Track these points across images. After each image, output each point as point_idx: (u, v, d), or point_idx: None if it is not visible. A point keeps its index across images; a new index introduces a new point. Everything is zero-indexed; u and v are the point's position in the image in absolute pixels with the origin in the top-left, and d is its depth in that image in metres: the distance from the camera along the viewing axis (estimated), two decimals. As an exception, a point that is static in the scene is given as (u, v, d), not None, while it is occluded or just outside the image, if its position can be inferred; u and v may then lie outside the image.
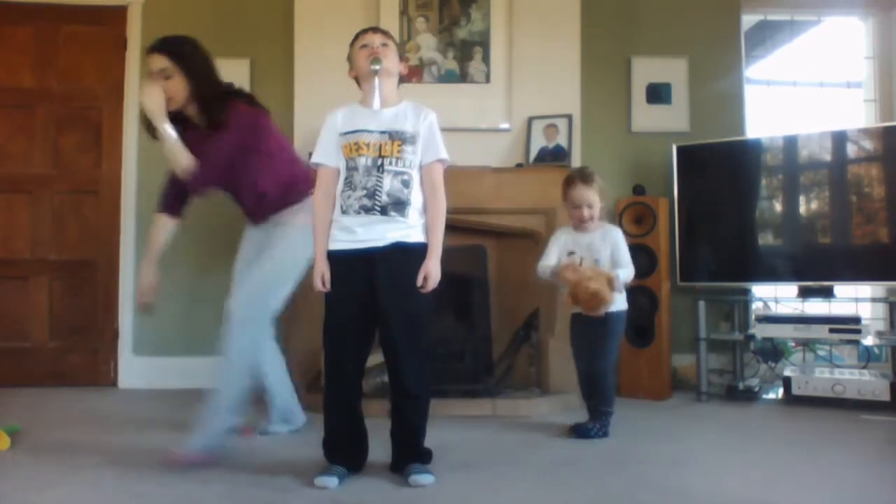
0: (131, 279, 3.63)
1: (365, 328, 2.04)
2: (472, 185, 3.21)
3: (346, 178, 2.04)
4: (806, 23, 4.11)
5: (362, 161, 2.01)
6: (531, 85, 3.62)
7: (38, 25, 3.74)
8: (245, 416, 2.35)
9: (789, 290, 3.43)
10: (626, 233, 3.36)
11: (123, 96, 3.71)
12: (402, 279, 1.99)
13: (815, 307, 3.37)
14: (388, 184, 1.99)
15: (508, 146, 3.61)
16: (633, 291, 3.28)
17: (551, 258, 2.58)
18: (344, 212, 2.02)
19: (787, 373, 3.25)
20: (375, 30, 2.15)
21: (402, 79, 2.19)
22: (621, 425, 2.60)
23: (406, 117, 2.06)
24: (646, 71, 3.79)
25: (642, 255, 3.28)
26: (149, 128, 2.36)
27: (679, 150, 3.50)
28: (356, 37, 2.14)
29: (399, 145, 2.01)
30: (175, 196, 2.54)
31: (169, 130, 2.29)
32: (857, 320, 3.07)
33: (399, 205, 2.00)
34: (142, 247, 3.60)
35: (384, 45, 2.09)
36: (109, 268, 3.70)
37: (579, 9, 3.67)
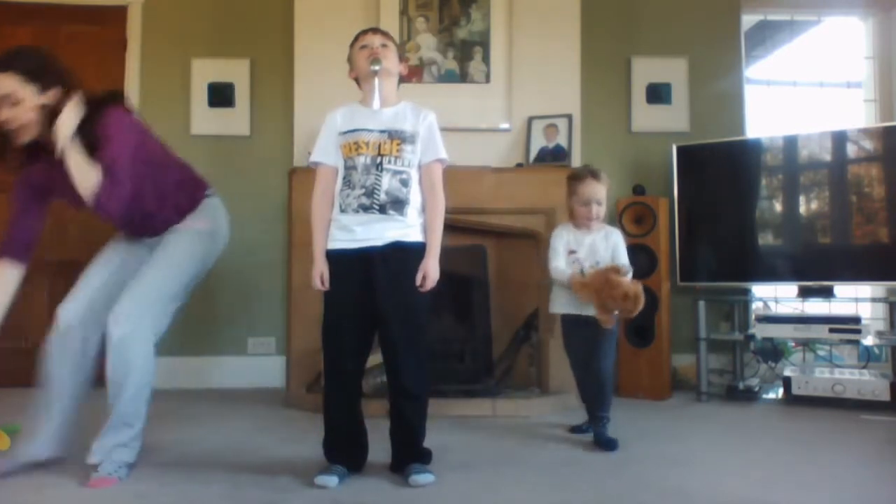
0: (131, 279, 3.63)
1: (364, 328, 2.04)
2: (472, 185, 3.21)
3: (344, 178, 2.04)
4: (806, 23, 4.11)
5: (361, 160, 2.01)
6: (531, 85, 3.62)
7: (38, 25, 3.74)
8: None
9: (789, 290, 3.43)
10: (626, 233, 3.37)
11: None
12: (401, 279, 1.99)
13: (815, 307, 3.36)
14: (387, 183, 1.99)
15: (508, 146, 3.61)
16: (633, 291, 3.30)
17: (560, 260, 2.49)
18: (343, 211, 2.02)
19: (787, 373, 3.25)
20: (375, 30, 2.15)
21: (403, 79, 2.20)
22: (621, 425, 2.59)
23: (405, 117, 2.07)
24: (646, 71, 3.79)
25: (642, 255, 3.28)
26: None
27: (679, 150, 3.50)
28: (356, 38, 2.14)
29: (398, 144, 2.02)
30: (23, 236, 2.14)
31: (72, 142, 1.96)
32: (857, 320, 3.07)
33: (398, 204, 2.00)
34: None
35: (384, 45, 2.09)
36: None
37: (579, 9, 3.67)
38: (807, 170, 3.41)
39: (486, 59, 3.65)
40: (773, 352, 3.51)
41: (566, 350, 2.61)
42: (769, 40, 4.15)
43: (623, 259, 2.48)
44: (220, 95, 3.68)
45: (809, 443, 2.47)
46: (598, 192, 2.48)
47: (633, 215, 3.41)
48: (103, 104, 2.04)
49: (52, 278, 3.72)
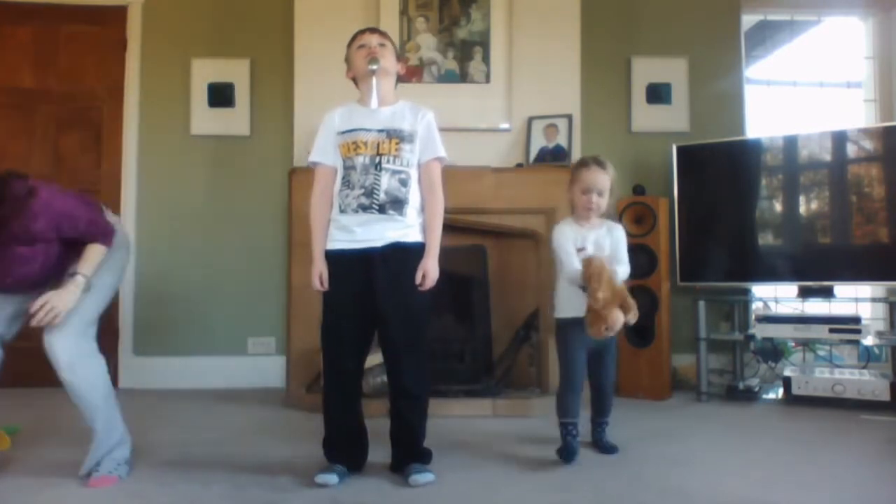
0: (131, 279, 3.63)
1: (363, 328, 2.04)
2: (472, 185, 3.21)
3: (343, 178, 2.04)
4: (806, 23, 4.11)
5: (360, 160, 2.01)
6: (531, 85, 3.62)
7: (38, 25, 3.74)
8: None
9: (789, 290, 3.42)
10: (626, 233, 3.37)
11: (123, 96, 3.71)
12: (401, 279, 1.99)
13: (815, 307, 3.36)
14: (386, 182, 1.99)
15: (508, 146, 3.61)
16: (633, 291, 3.28)
17: (576, 260, 2.25)
18: (342, 211, 2.02)
19: (787, 373, 3.24)
20: (373, 30, 2.16)
21: (402, 79, 2.20)
22: (621, 425, 2.59)
23: (404, 116, 2.07)
24: (646, 71, 3.79)
25: (642, 255, 3.28)
26: None
27: (679, 150, 3.50)
28: (353, 37, 2.14)
29: (397, 144, 2.02)
30: None
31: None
32: (857, 320, 3.07)
33: (397, 203, 2.00)
34: (142, 247, 3.62)
35: (381, 45, 2.09)
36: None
37: (579, 9, 3.67)
38: (807, 170, 3.41)
39: (486, 59, 3.65)
40: (773, 352, 3.51)
41: (564, 355, 2.32)
42: (769, 40, 4.15)
43: (623, 256, 2.36)
44: (220, 95, 3.68)
45: (809, 443, 2.47)
46: (600, 181, 2.31)
47: (634, 215, 3.41)
48: (18, 195, 1.87)
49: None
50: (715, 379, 3.50)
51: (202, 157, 3.72)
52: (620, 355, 3.23)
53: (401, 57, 2.26)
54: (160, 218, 3.68)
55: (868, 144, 3.29)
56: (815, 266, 3.28)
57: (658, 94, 3.76)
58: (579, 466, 2.16)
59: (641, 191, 3.47)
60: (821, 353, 3.64)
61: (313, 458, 2.09)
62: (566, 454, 2.22)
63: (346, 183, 2.02)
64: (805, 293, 3.28)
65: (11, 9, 3.73)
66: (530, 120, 3.60)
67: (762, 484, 1.98)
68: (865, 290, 3.56)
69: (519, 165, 3.54)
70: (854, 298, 3.40)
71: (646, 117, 3.78)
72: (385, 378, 2.14)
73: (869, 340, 3.14)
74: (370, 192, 1.99)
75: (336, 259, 2.02)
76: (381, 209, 1.99)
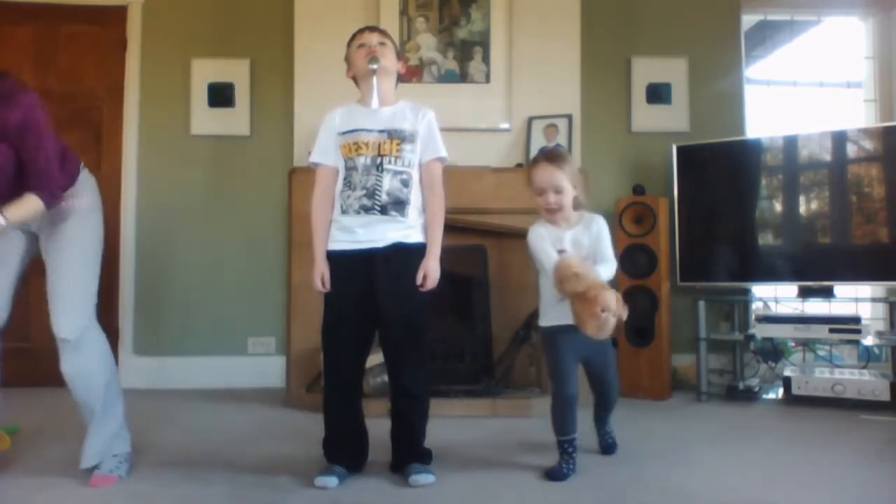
0: (131, 279, 3.64)
1: (364, 328, 2.04)
2: (472, 185, 3.21)
3: (345, 178, 2.04)
4: (806, 23, 4.11)
5: (361, 160, 2.01)
6: (531, 85, 3.62)
7: (38, 25, 3.74)
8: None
9: (789, 290, 3.42)
10: (626, 233, 3.38)
11: (123, 96, 3.71)
12: (402, 280, 1.99)
13: (815, 307, 3.36)
14: (388, 183, 1.99)
15: (508, 146, 3.61)
16: (633, 291, 3.30)
17: (555, 257, 2.05)
18: (344, 212, 2.02)
19: (787, 373, 3.24)
20: (373, 29, 2.15)
21: (403, 78, 2.19)
22: (621, 425, 2.59)
23: (405, 116, 2.06)
24: (646, 71, 3.79)
25: (642, 255, 3.29)
26: None
27: (679, 150, 3.50)
28: (353, 36, 2.14)
29: (398, 144, 2.02)
30: None
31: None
32: (857, 320, 3.07)
33: (399, 204, 2.00)
34: (142, 247, 3.62)
35: (382, 43, 2.09)
36: (109, 268, 3.68)
37: (579, 9, 3.67)
38: (807, 170, 3.41)
39: (486, 59, 3.65)
40: (773, 352, 3.51)
41: (555, 363, 2.11)
42: (769, 40, 4.15)
43: (606, 252, 2.10)
44: (220, 95, 3.68)
45: (809, 443, 2.47)
46: (554, 178, 2.06)
47: (633, 215, 3.41)
48: (13, 83, 1.86)
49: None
50: (715, 379, 3.50)
51: (202, 158, 3.72)
52: (620, 355, 3.25)
53: (401, 56, 2.26)
54: (160, 218, 3.68)
55: (868, 144, 3.29)
56: (815, 266, 3.28)
57: (658, 94, 3.76)
58: (580, 466, 2.15)
59: (641, 191, 3.48)
60: (821, 353, 3.64)
61: (313, 459, 2.09)
62: (559, 476, 2.03)
63: (348, 184, 2.02)
64: (805, 293, 3.28)
65: (11, 9, 3.73)
66: (530, 120, 3.60)
67: (762, 484, 1.98)
68: (865, 290, 3.56)
69: (519, 165, 3.54)
70: (854, 298, 3.40)
71: (646, 117, 3.78)
72: (385, 378, 2.14)
73: (869, 340, 3.14)
74: (372, 193, 1.99)
75: (338, 260, 2.02)
76: (383, 210, 1.99)
